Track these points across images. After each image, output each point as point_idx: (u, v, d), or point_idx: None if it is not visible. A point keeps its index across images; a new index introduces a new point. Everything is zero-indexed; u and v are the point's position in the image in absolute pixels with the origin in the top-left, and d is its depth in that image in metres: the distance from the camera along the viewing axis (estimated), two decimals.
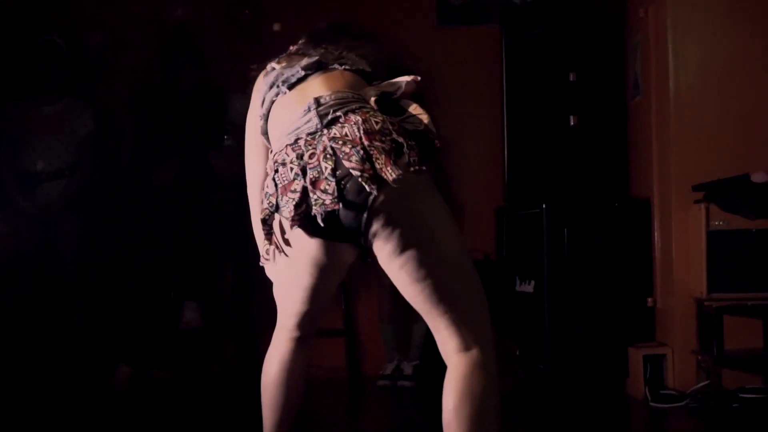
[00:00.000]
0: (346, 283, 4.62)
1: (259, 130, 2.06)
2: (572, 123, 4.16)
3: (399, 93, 1.88)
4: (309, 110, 1.81)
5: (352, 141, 1.69)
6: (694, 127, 3.84)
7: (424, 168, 1.72)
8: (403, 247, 1.71)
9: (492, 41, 4.64)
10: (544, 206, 4.03)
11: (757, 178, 3.46)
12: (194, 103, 4.52)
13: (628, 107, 4.39)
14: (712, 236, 3.64)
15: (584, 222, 4.12)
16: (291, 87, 1.95)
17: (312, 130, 1.77)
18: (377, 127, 1.72)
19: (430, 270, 1.73)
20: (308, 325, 2.06)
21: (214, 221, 4.64)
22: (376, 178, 1.63)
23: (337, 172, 1.66)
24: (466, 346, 1.74)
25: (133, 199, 4.47)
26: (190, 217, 4.38)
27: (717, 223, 3.64)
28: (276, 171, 1.77)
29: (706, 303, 3.59)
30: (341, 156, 1.67)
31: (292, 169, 1.72)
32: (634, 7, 4.29)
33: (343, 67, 2.01)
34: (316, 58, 1.99)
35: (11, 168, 4.35)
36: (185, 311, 4.48)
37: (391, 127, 1.73)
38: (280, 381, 2.06)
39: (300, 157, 1.72)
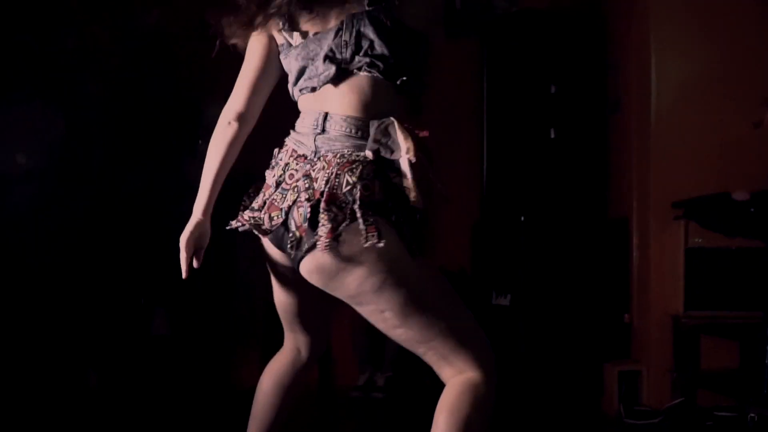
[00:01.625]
0: None
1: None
2: (552, 136, 4.15)
3: (394, 157, 1.81)
4: (315, 127, 1.81)
5: (313, 192, 1.69)
6: (673, 145, 3.85)
7: (378, 243, 1.69)
8: (349, 301, 1.79)
9: (473, 54, 4.64)
10: (522, 219, 4.01)
11: (738, 196, 3.46)
12: (167, 109, 4.49)
13: (608, 122, 4.38)
14: (691, 253, 3.63)
15: (563, 236, 4.11)
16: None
17: (305, 152, 1.80)
18: (345, 189, 1.69)
19: (390, 321, 1.76)
20: (303, 344, 2.11)
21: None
22: (301, 242, 1.71)
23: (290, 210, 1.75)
24: (458, 371, 1.73)
25: (104, 204, 4.41)
26: (162, 224, 4.35)
27: (696, 241, 3.64)
28: (272, 167, 1.85)
29: (683, 320, 3.58)
30: (298, 201, 1.72)
31: (274, 176, 1.82)
32: (616, 22, 4.29)
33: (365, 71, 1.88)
34: (339, 67, 1.85)
35: None
36: (156, 318, 4.43)
37: (359, 194, 1.68)
38: (268, 395, 2.13)
39: (285, 168, 1.81)
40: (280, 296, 2.00)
